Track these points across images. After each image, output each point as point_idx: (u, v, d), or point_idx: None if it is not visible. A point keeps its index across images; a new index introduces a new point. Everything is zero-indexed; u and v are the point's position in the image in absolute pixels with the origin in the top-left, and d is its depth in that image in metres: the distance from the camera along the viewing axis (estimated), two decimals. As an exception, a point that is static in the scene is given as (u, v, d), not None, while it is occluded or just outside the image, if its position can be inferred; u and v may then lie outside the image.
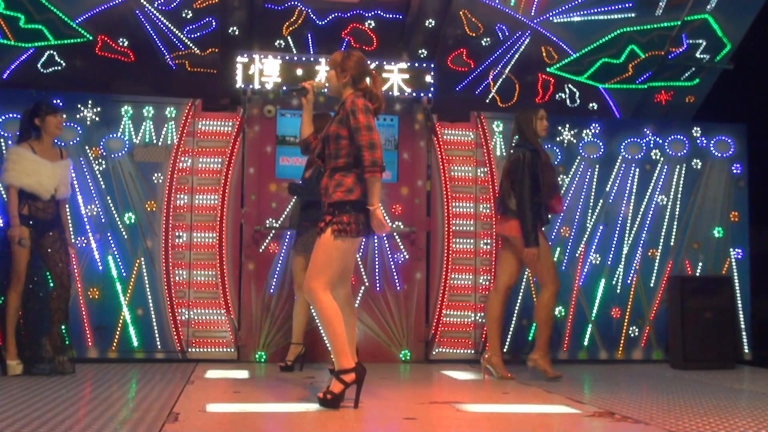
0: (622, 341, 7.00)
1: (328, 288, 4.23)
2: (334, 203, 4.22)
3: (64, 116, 5.87)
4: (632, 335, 7.02)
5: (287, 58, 6.70)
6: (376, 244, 6.67)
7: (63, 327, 5.53)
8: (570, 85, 7.72)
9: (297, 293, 6.08)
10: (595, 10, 7.46)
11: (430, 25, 7.44)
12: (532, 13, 7.47)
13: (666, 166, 7.21)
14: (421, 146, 6.90)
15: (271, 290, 6.55)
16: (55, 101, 6.38)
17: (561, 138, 7.07)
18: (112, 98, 6.53)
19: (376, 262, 6.71)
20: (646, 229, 7.12)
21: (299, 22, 7.38)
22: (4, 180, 5.56)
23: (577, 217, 7.00)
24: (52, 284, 5.55)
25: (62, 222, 5.75)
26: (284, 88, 4.53)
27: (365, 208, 4.22)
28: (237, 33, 7.30)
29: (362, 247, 6.58)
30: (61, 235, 5.67)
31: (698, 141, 7.31)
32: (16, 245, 5.45)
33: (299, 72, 6.55)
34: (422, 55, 7.47)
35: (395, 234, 6.72)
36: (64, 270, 5.60)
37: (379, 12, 7.43)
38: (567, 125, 7.11)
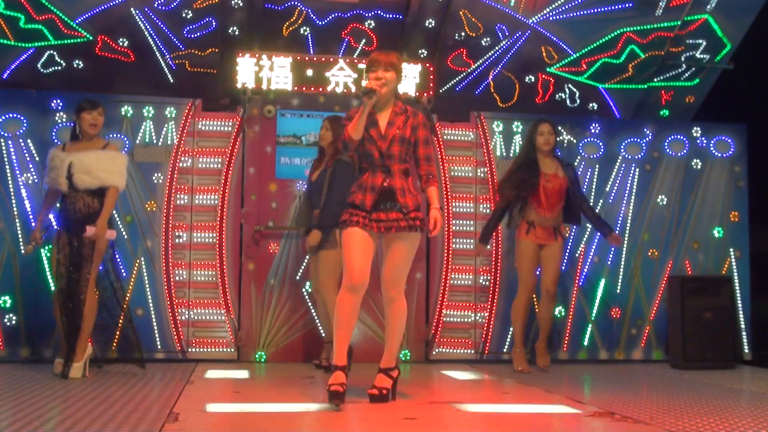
0: (622, 341, 7.00)
1: None
2: (418, 205, 4.44)
3: (100, 113, 5.55)
4: (632, 335, 7.02)
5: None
6: (376, 244, 6.66)
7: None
8: (570, 85, 7.71)
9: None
10: (595, 10, 7.46)
11: (430, 25, 7.44)
12: (532, 13, 7.48)
13: (666, 166, 7.21)
14: (421, 146, 6.89)
15: (271, 290, 6.55)
16: (55, 101, 6.38)
17: (561, 138, 7.07)
18: (112, 98, 6.52)
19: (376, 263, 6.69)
20: (646, 229, 7.12)
21: (299, 22, 7.39)
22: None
23: (577, 217, 6.99)
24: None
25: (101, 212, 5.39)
26: (362, 90, 4.41)
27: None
28: (237, 33, 7.30)
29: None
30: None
31: (698, 141, 7.30)
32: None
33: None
34: (422, 55, 7.47)
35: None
36: (73, 270, 5.41)
37: (379, 12, 7.44)
38: (567, 125, 7.11)
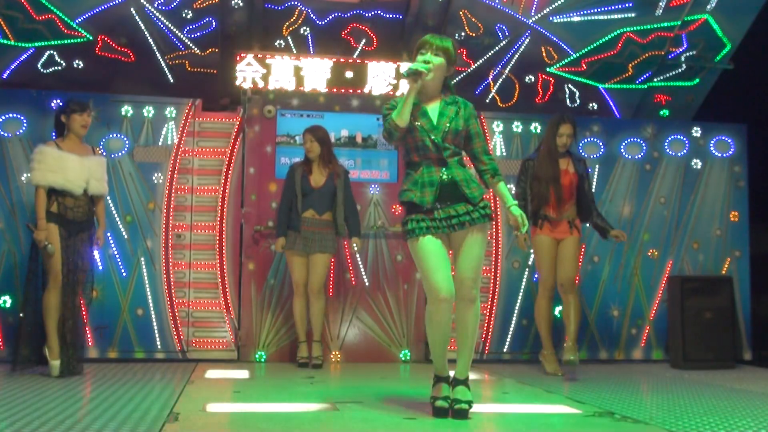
0: (622, 341, 7.00)
1: None
2: (483, 193, 4.10)
3: (92, 115, 5.66)
4: (632, 335, 7.02)
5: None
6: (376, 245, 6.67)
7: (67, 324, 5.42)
8: (570, 85, 7.72)
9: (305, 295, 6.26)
10: (595, 10, 7.47)
11: (430, 25, 7.44)
12: (532, 13, 7.48)
13: (666, 166, 7.22)
14: (421, 146, 6.89)
15: (271, 290, 6.55)
16: (55, 101, 6.38)
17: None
18: (112, 98, 6.53)
19: (377, 262, 6.70)
20: (646, 229, 7.12)
21: (299, 22, 7.39)
22: (31, 180, 5.42)
23: (577, 217, 6.99)
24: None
25: (98, 220, 5.64)
26: (408, 71, 4.01)
27: None
28: (237, 33, 7.30)
29: (365, 247, 6.59)
30: (91, 237, 5.56)
31: (698, 141, 7.31)
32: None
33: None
34: (422, 55, 7.46)
35: (393, 234, 6.72)
36: (79, 273, 5.47)
37: (379, 12, 7.44)
38: (567, 125, 7.10)
